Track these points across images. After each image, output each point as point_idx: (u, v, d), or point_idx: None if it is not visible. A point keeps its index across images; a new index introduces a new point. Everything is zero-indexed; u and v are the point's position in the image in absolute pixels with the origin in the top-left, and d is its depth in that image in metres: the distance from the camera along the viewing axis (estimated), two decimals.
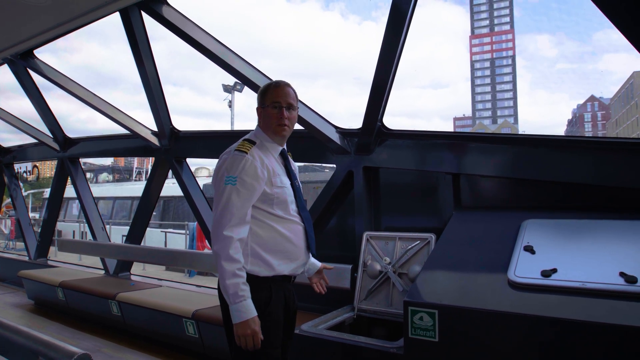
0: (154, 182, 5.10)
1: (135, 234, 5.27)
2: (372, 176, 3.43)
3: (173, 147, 4.75)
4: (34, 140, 6.60)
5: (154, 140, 4.86)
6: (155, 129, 4.74)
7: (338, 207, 3.67)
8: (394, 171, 3.38)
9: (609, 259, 2.07)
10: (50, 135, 6.02)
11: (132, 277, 5.41)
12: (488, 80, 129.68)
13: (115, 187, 18.64)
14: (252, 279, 1.75)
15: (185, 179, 4.76)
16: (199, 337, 3.62)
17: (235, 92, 19.00)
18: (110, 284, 4.82)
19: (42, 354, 1.53)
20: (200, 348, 3.67)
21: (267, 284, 1.81)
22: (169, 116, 4.59)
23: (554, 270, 2.06)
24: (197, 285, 4.88)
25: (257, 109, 1.93)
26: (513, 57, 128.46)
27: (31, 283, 5.49)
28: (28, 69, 5.13)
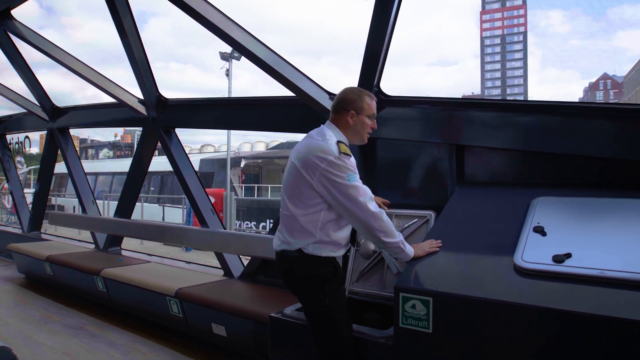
0: (142, 155, 4.86)
1: (125, 208, 5.06)
2: (368, 148, 3.14)
3: (160, 116, 4.48)
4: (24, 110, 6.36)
5: (141, 109, 4.59)
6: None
7: None
8: (391, 142, 3.09)
9: (632, 243, 1.79)
10: (38, 104, 5.77)
11: (124, 252, 5.25)
12: (498, 58, 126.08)
13: (114, 162, 18.47)
14: (316, 258, 2.06)
15: (174, 151, 4.50)
16: (183, 317, 3.43)
17: (233, 60, 17.98)
18: (98, 259, 4.65)
19: None
20: (184, 327, 3.50)
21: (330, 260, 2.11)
22: (154, 83, 4.30)
23: (568, 255, 1.78)
24: (187, 262, 4.69)
25: (350, 112, 2.12)
26: (524, 34, 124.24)
27: (20, 257, 5.36)
28: (9, 33, 4.85)
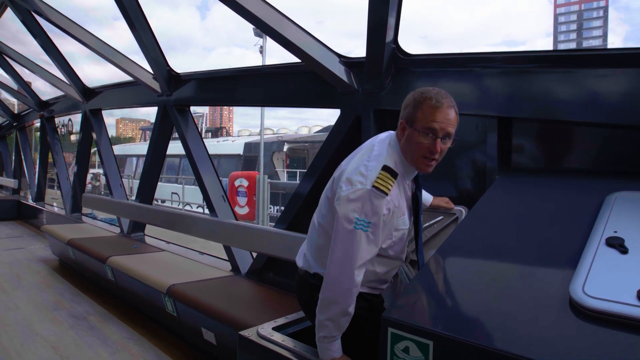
0: (158, 136, 4.53)
1: (145, 193, 4.81)
2: (388, 123, 2.49)
3: (173, 93, 4.10)
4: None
5: (155, 86, 4.25)
6: None
7: None
8: None
9: None
10: (68, 83, 5.70)
11: (147, 239, 5.04)
12: (574, 36, 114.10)
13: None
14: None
15: (188, 132, 4.11)
16: (177, 316, 3.04)
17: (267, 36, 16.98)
18: (114, 245, 4.44)
19: None
20: (178, 328, 3.11)
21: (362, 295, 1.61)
22: (162, 55, 3.91)
23: None
24: (200, 252, 4.33)
25: (402, 123, 1.52)
26: (605, 8, 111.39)
27: (52, 239, 5.35)
28: (32, 13, 4.74)
